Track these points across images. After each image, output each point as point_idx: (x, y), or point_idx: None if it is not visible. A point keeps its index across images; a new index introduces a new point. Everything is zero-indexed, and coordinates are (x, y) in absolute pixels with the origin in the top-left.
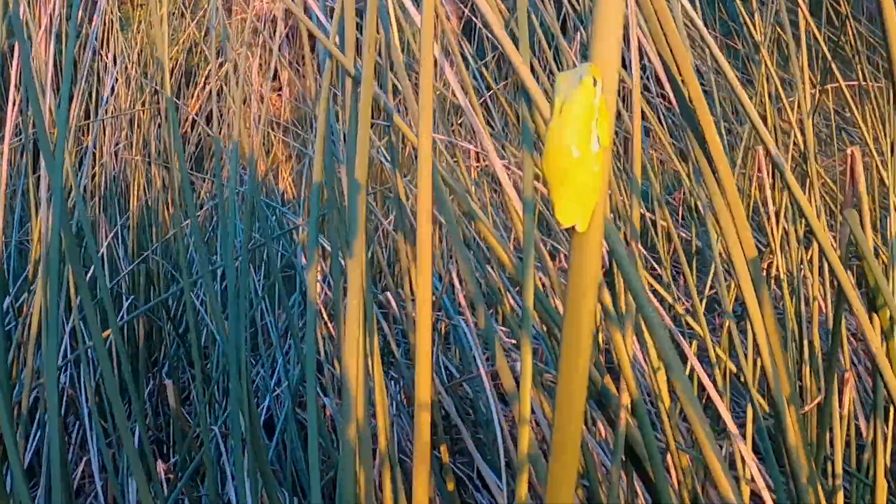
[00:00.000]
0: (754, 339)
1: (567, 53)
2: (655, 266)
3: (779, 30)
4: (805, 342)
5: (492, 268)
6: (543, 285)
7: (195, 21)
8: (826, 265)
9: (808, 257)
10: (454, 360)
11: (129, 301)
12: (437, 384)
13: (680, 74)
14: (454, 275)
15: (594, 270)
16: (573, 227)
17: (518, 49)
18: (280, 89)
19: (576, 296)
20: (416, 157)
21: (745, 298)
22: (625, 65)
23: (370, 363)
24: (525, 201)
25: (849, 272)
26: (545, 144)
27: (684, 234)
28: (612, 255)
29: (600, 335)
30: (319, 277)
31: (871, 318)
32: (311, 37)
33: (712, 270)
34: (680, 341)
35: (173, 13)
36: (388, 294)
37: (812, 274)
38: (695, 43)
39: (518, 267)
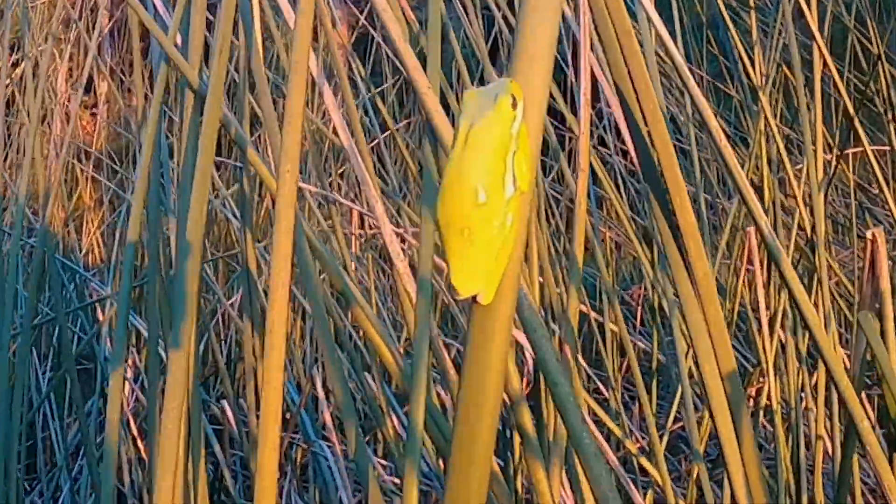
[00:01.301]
0: (732, 497)
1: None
2: (601, 387)
3: (786, 71)
4: (804, 498)
5: (372, 376)
6: (442, 403)
7: None
8: (836, 393)
9: (813, 382)
10: (313, 502)
11: None
12: None
13: (644, 120)
14: (318, 384)
15: (500, 357)
16: (473, 298)
17: (426, 70)
18: (95, 106)
19: (473, 392)
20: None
21: (721, 437)
22: (573, 106)
23: (193, 500)
24: (421, 282)
25: (868, 401)
26: (442, 183)
27: (643, 345)
28: (539, 364)
29: (519, 475)
30: (130, 374)
31: (892, 464)
32: (145, 35)
33: (678, 396)
34: (631, 492)
35: None
36: (226, 403)
37: (817, 405)
38: (671, 83)
39: (407, 375)
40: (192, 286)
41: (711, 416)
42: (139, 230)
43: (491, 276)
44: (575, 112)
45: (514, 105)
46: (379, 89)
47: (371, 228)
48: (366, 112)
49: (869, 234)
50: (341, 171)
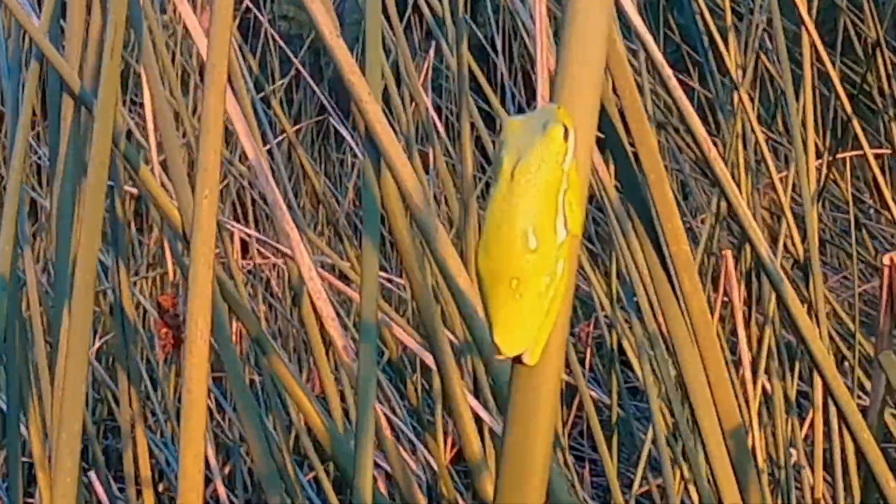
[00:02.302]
0: None
1: (412, 80)
2: None
3: (764, 61)
4: None
5: (278, 446)
6: (389, 477)
7: None
8: (838, 447)
9: (804, 434)
10: None
11: None
12: None
13: (626, 128)
14: (208, 448)
15: (548, 424)
16: (517, 358)
17: (365, 69)
18: None
19: (518, 463)
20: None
21: None
22: (503, 100)
23: None
24: (365, 328)
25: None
26: (485, 227)
27: (595, 394)
28: None
29: None
30: None
31: None
32: None
33: (644, 454)
34: None
35: None
36: (94, 475)
37: (813, 461)
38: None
39: (339, 442)
40: (83, 345)
41: (714, 481)
42: (9, 268)
43: (540, 333)
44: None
45: (566, 136)
46: (278, 85)
47: (262, 258)
48: (255, 111)
49: (886, 259)
50: (223, 185)
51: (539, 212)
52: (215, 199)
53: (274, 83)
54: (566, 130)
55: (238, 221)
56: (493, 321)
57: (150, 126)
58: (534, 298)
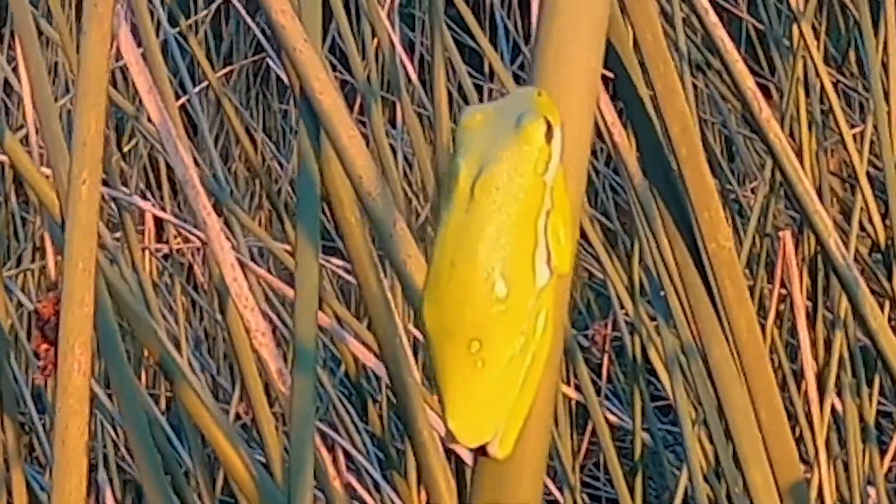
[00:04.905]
0: None
1: (373, 7)
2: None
3: None
4: None
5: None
6: None
7: None
8: None
9: (886, 467)
10: None
11: None
12: None
13: (650, 86)
14: (111, 498)
15: None
16: (481, 449)
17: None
18: None
19: None
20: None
21: None
22: (495, 40)
23: None
24: (300, 353)
25: None
26: (432, 265)
27: (613, 416)
28: None
29: None
30: None
31: None
32: None
33: (679, 494)
34: None
35: None
36: None
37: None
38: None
39: (261, 486)
40: None
41: None
42: None
43: (513, 415)
44: (503, 55)
45: (550, 135)
46: (201, 16)
47: (181, 240)
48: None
49: None
50: (130, 146)
51: (510, 244)
52: (97, 185)
53: (196, 14)
54: (549, 126)
55: (150, 194)
56: (447, 398)
57: (24, 75)
58: (503, 367)
